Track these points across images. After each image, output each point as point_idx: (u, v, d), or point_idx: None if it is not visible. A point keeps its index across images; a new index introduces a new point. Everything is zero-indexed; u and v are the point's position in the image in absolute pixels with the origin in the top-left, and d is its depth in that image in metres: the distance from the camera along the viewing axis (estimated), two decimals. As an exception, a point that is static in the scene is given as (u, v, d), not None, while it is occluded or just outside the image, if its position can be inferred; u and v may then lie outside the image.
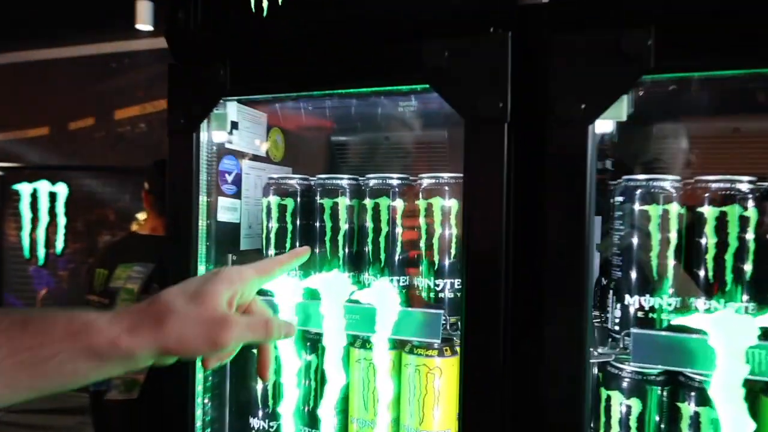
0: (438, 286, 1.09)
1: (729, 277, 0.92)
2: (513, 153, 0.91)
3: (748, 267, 0.91)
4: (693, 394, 0.94)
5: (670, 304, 0.95)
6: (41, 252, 4.21)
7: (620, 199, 0.99)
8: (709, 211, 0.94)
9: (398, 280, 1.13)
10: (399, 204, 1.12)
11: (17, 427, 3.57)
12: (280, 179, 1.21)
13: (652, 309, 0.96)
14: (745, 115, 1.22)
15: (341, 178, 1.17)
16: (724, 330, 0.81)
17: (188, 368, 1.15)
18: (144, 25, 4.55)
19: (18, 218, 4.07)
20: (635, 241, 0.97)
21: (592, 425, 1.00)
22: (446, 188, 1.08)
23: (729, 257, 0.92)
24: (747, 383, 0.80)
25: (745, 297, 0.92)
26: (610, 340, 1.00)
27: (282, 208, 1.19)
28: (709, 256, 0.93)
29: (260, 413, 1.24)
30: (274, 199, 1.20)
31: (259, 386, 1.24)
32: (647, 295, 0.96)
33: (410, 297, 1.11)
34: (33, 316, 0.70)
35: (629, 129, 0.96)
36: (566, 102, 0.86)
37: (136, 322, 0.71)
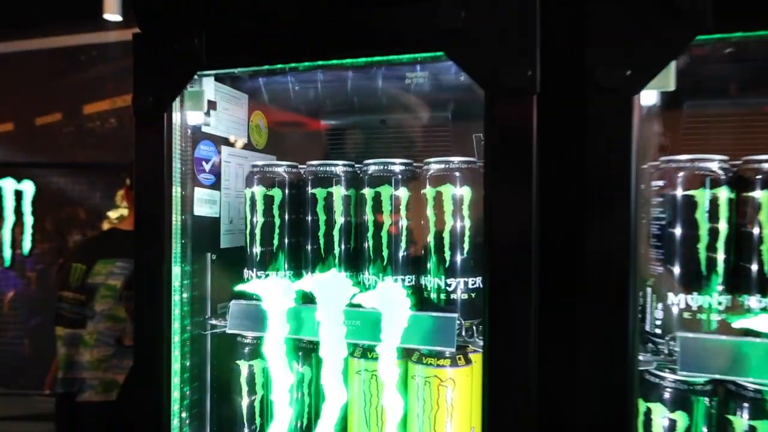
0: (449, 285, 0.95)
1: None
2: (543, 130, 0.77)
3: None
4: (746, 405, 0.83)
5: (720, 303, 0.83)
6: (7, 253, 3.98)
7: (659, 183, 0.86)
8: (762, 196, 0.82)
9: (403, 280, 0.99)
10: (403, 193, 0.98)
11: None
12: (266, 167, 1.06)
13: (700, 309, 0.84)
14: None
15: (336, 165, 1.03)
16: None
17: (163, 381, 1.00)
18: (112, 15, 4.34)
19: (-18, 218, 3.85)
20: (679, 231, 0.85)
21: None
22: (457, 174, 0.94)
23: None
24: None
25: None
26: (649, 344, 0.88)
27: (268, 200, 1.05)
28: (765, 248, 0.82)
29: (246, 433, 1.10)
30: (258, 190, 1.05)
31: (245, 402, 1.09)
32: (694, 293, 0.84)
33: (417, 299, 0.97)
34: None
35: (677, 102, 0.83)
36: (608, 68, 0.72)
37: None
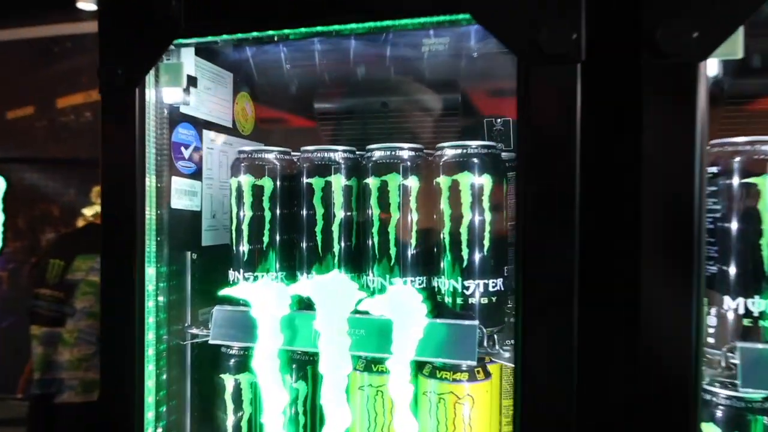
0: (467, 288, 0.83)
1: None
2: (588, 107, 0.65)
3: None
4: (815, 425, 0.72)
5: (786, 308, 0.72)
6: (-23, 252, 3.79)
7: (714, 169, 0.75)
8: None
9: (412, 282, 0.86)
10: (413, 183, 0.86)
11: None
12: (254, 153, 0.92)
13: (762, 315, 0.72)
14: None
15: (335, 151, 0.90)
16: None
17: (134, 402, 0.86)
18: (86, 3, 4.15)
19: (-50, 215, 3.66)
20: (736, 225, 0.73)
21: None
22: (475, 161, 0.82)
23: None
24: None
25: None
26: (700, 356, 0.76)
27: (257, 191, 0.92)
28: (836, 243, 0.71)
29: (232, 456, 0.96)
30: (246, 180, 0.92)
31: (230, 421, 0.96)
32: (755, 297, 0.72)
33: (429, 304, 0.85)
34: None
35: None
36: (671, 29, 0.60)
37: None
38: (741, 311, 0.73)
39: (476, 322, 0.79)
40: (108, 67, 0.80)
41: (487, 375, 0.86)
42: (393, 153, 0.86)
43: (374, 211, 0.87)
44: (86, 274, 2.10)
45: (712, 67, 0.65)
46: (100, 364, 0.84)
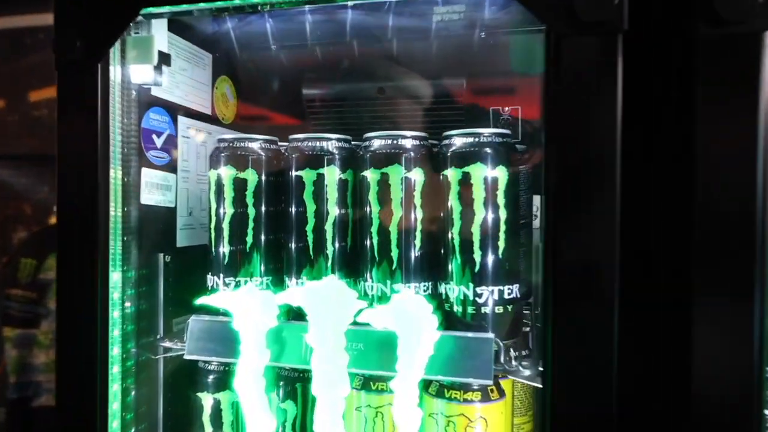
0: (480, 296, 0.73)
1: None
2: (631, 84, 0.56)
3: None
4: None
5: None
6: (-58, 253, 3.63)
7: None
8: None
9: (416, 288, 0.76)
10: (417, 175, 0.75)
11: None
12: (237, 142, 0.81)
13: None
14: None
15: (328, 139, 0.80)
16: None
17: (95, 427, 0.74)
18: (61, -8, 4.00)
19: None
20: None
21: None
22: (489, 151, 0.72)
23: None
24: None
25: None
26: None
27: (239, 185, 0.81)
28: None
29: (210, 485, 0.85)
30: (226, 172, 0.81)
31: (208, 444, 0.85)
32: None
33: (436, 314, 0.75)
34: None
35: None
36: (732, -9, 0.51)
37: None
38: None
39: (491, 335, 0.70)
40: (64, 39, 0.69)
41: (502, 394, 0.76)
42: (394, 142, 0.76)
43: (373, 208, 0.76)
44: None
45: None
46: (56, 385, 0.73)
